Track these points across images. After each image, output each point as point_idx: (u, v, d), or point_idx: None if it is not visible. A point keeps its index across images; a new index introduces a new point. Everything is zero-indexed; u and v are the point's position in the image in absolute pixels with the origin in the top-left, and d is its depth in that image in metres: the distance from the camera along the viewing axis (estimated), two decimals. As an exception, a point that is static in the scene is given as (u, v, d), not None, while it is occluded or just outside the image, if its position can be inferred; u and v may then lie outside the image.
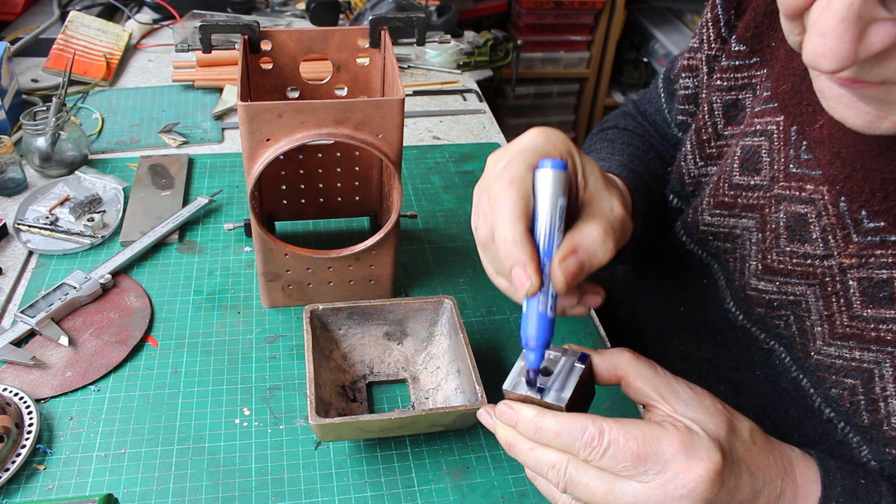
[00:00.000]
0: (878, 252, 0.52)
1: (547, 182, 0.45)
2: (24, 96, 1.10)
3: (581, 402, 0.49)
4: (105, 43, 1.21)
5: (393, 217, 0.71)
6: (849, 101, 0.44)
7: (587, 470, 0.44)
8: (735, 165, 0.64)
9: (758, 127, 0.63)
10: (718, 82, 0.68)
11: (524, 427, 0.46)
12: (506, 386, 0.48)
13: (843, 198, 0.54)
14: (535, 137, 0.48)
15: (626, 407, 0.69)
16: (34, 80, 1.14)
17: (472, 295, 0.81)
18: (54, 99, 0.93)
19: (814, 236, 0.56)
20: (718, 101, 0.68)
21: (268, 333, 0.74)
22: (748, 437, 0.46)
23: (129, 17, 1.35)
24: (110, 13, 1.37)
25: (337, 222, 0.90)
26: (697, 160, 0.71)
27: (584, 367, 0.48)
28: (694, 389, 0.47)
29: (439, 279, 0.82)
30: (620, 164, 0.73)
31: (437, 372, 0.68)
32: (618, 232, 0.48)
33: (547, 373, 0.48)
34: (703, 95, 0.70)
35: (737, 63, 0.66)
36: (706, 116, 0.69)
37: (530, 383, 0.48)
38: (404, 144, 0.72)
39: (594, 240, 0.46)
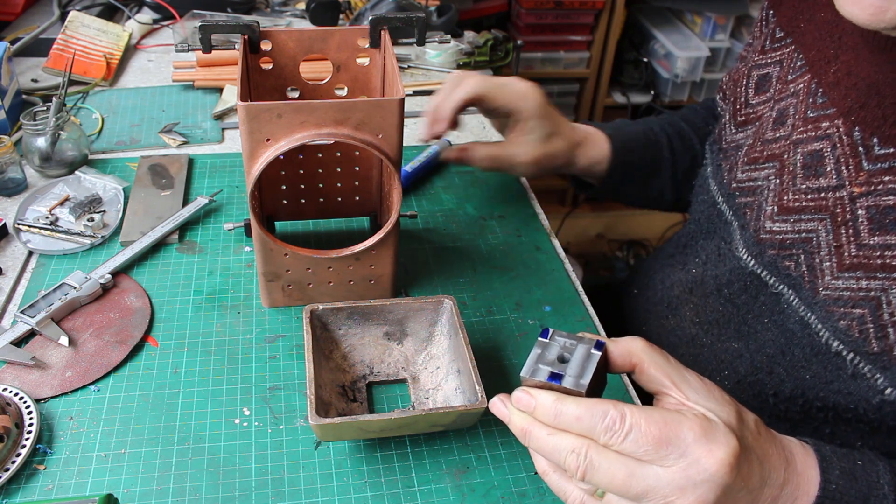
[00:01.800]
0: (887, 178, 0.54)
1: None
2: (24, 96, 1.09)
3: (596, 390, 0.49)
4: (105, 43, 1.21)
5: (393, 217, 0.71)
6: None
7: (608, 454, 0.44)
8: (769, 125, 0.69)
9: (791, 90, 0.67)
10: (757, 60, 0.75)
11: (543, 412, 0.46)
12: (523, 373, 0.49)
13: (857, 128, 0.57)
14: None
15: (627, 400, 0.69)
16: (34, 80, 1.14)
17: (472, 295, 0.81)
18: (54, 99, 0.93)
19: (828, 169, 0.59)
20: (753, 75, 0.75)
21: (268, 333, 0.74)
22: (754, 427, 0.47)
23: (129, 17, 1.35)
24: (110, 13, 1.37)
25: (337, 222, 0.90)
26: (731, 127, 0.77)
27: (601, 353, 0.48)
28: (703, 381, 0.48)
29: (439, 279, 0.82)
30: (624, 125, 0.88)
31: (437, 372, 0.68)
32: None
33: (563, 360, 0.49)
34: (743, 70, 0.77)
35: (776, 45, 0.72)
36: (741, 88, 0.76)
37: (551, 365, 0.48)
38: (404, 144, 0.72)
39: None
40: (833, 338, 0.58)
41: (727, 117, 0.79)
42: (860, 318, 0.55)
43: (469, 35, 1.44)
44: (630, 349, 0.49)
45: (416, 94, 1.21)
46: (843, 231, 0.57)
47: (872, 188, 0.55)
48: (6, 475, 0.58)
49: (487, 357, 0.73)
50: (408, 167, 0.96)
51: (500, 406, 0.50)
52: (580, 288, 0.83)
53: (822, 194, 0.60)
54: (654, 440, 0.43)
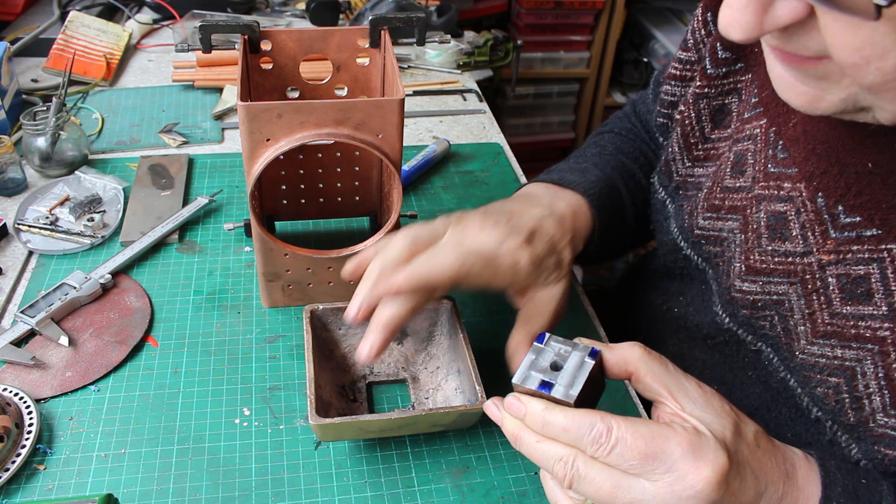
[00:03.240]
0: (855, 248, 0.52)
1: None
2: (24, 96, 1.09)
3: (590, 397, 0.49)
4: (105, 43, 1.21)
5: (393, 217, 0.71)
6: (788, 81, 0.45)
7: (594, 465, 0.44)
8: (727, 170, 0.65)
9: (746, 132, 0.64)
10: (706, 90, 0.69)
11: (532, 420, 0.46)
12: (515, 380, 0.48)
13: (820, 193, 0.55)
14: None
15: (626, 406, 0.69)
16: (34, 80, 1.14)
17: (472, 295, 0.80)
18: (54, 99, 0.93)
19: (794, 233, 0.57)
20: (706, 106, 0.69)
21: (268, 333, 0.74)
22: (753, 440, 0.47)
23: (129, 17, 1.35)
24: (110, 13, 1.37)
25: (337, 222, 0.90)
26: (685, 161, 0.72)
27: (594, 362, 0.48)
28: (703, 389, 0.47)
29: (439, 279, 0.82)
30: (597, 179, 0.74)
31: (437, 372, 0.68)
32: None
33: (556, 367, 0.48)
34: (690, 101, 0.70)
35: (723, 70, 0.67)
36: (693, 121, 0.70)
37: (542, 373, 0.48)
38: (404, 144, 0.72)
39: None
40: (812, 403, 0.57)
41: (676, 148, 0.72)
42: (836, 386, 0.54)
43: (469, 35, 1.44)
44: (626, 357, 0.49)
45: (416, 94, 1.21)
46: (815, 298, 0.55)
47: (841, 257, 0.53)
48: (6, 475, 0.58)
49: (487, 357, 0.73)
50: (407, 166, 0.96)
51: (493, 409, 0.50)
52: (579, 288, 0.83)
53: (790, 258, 0.57)
54: (639, 454, 0.43)
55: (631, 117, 0.87)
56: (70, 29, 1.20)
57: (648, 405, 0.50)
